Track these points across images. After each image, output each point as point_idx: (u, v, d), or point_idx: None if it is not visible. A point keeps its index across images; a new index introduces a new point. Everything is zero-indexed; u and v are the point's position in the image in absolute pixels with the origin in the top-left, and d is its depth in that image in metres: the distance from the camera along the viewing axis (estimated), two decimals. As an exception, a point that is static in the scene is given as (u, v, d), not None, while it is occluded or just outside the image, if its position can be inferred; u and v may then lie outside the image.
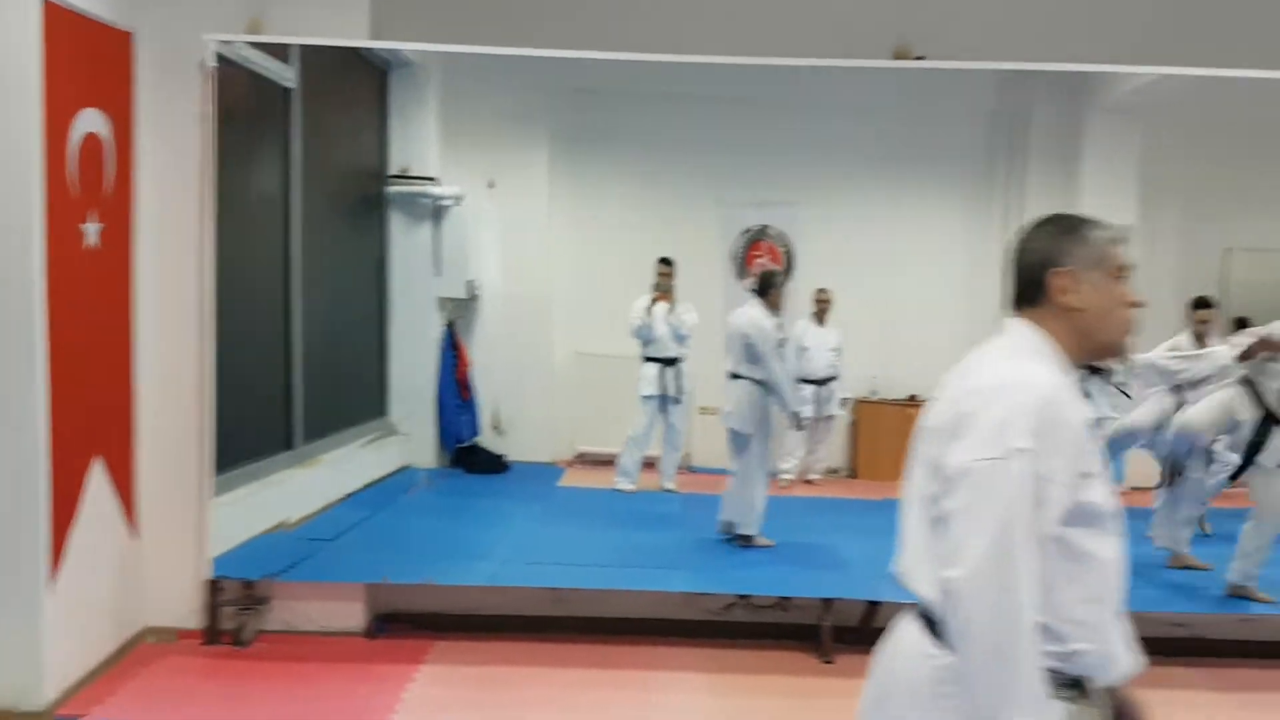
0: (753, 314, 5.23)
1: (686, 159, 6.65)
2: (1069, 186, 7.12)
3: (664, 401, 5.97)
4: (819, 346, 6.56)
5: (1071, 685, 1.66)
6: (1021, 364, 1.68)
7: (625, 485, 6.12)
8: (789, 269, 7.00)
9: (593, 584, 4.66)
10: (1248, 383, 4.66)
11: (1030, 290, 1.76)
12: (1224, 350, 5.06)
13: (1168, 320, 6.24)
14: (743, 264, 6.67)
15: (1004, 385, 1.65)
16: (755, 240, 6.94)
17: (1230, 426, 4.72)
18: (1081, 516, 1.63)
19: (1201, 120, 6.30)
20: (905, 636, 1.74)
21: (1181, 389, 5.12)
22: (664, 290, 5.99)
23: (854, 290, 6.64)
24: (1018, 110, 6.99)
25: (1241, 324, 6.08)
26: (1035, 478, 1.57)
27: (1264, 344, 4.54)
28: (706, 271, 6.62)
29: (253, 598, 4.42)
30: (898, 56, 4.16)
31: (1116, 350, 1.79)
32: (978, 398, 1.65)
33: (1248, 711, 4.00)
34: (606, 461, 6.31)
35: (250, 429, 4.80)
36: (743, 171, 6.56)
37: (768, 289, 5.27)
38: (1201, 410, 4.96)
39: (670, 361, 5.95)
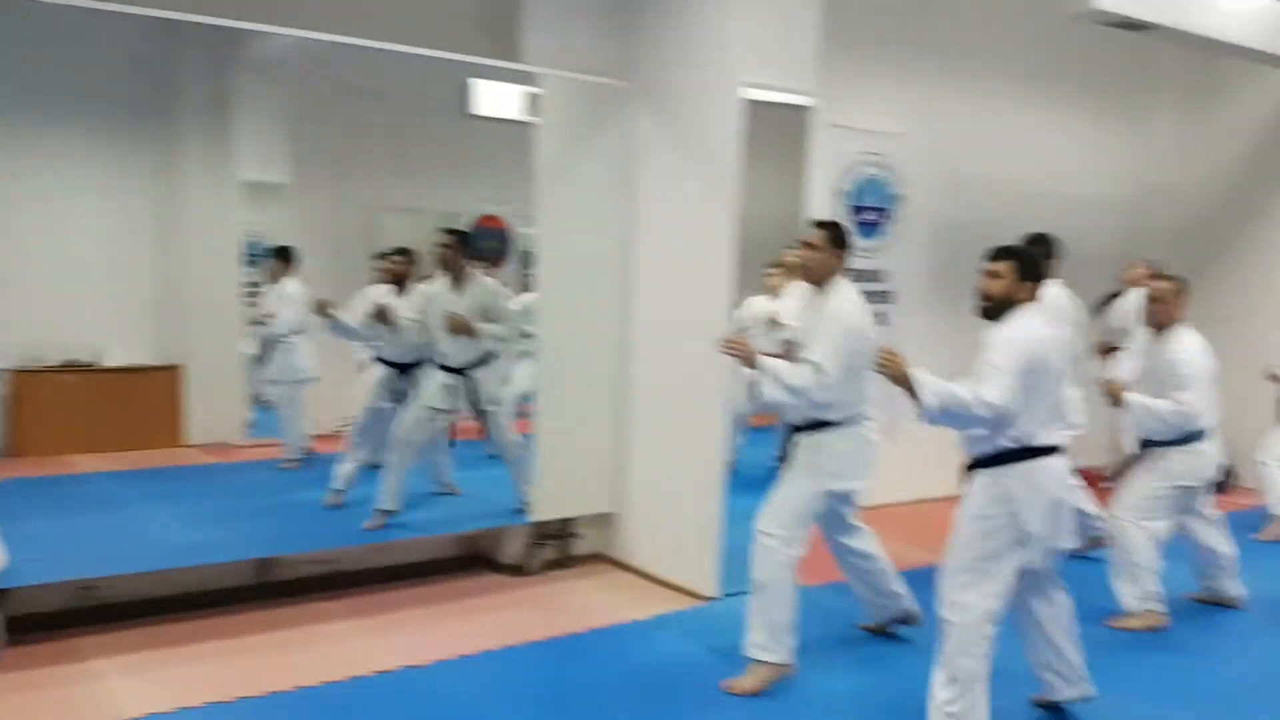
0: None
1: None
2: (223, 140, 7.02)
3: None
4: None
5: None
6: None
7: None
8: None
9: None
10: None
11: None
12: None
13: (319, 276, 6.53)
14: None
15: None
16: None
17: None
18: None
19: (351, 87, 6.64)
20: None
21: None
22: None
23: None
24: (165, 59, 6.66)
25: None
26: None
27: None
28: None
29: None
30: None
31: None
32: None
33: (376, 634, 4.34)
34: None
35: None
36: None
37: None
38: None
39: None
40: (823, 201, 6.04)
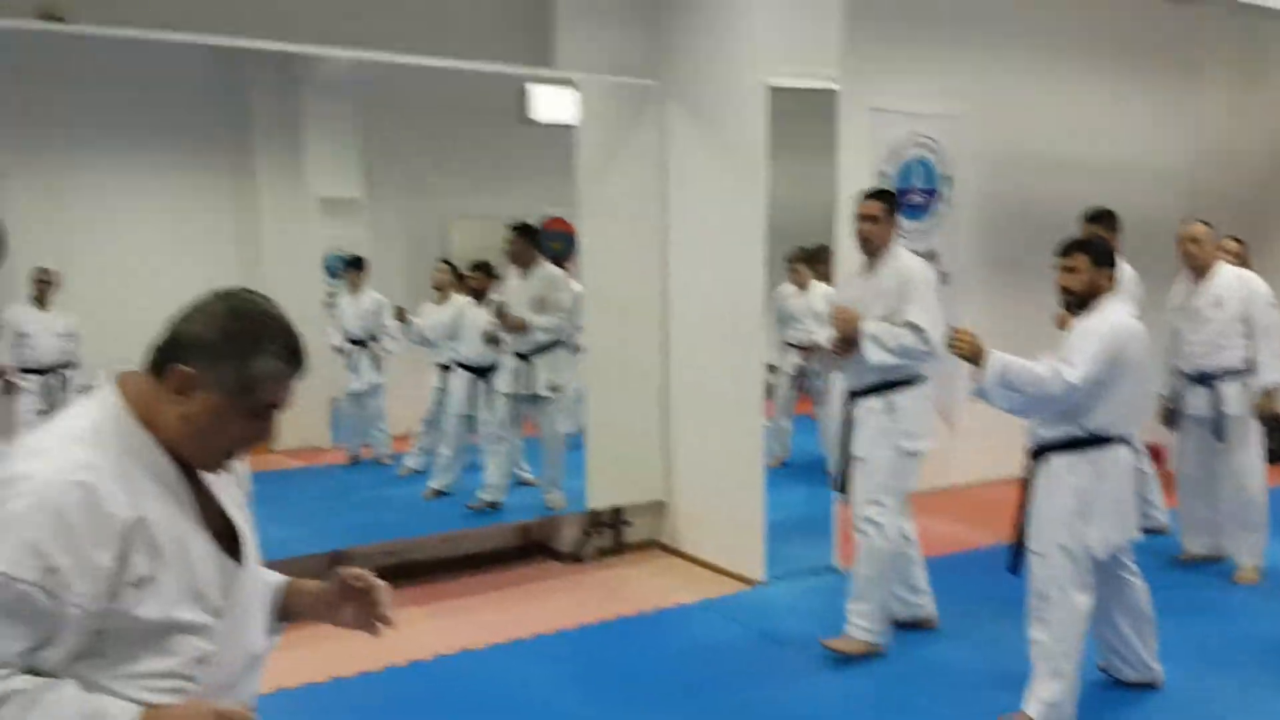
0: None
1: None
2: (297, 159, 7.38)
3: None
4: (43, 332, 6.05)
5: None
6: (62, 453, 1.41)
7: None
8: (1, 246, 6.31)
9: None
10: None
11: (159, 360, 1.52)
12: None
13: (394, 285, 6.88)
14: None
15: (25, 484, 1.38)
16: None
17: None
18: (141, 631, 1.43)
19: (415, 102, 6.93)
20: None
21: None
22: None
23: (86, 268, 6.19)
24: (234, 84, 7.04)
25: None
26: (48, 604, 1.35)
27: None
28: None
29: None
30: (43, 16, 3.94)
31: (205, 468, 1.57)
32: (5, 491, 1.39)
33: (439, 619, 4.58)
34: None
35: None
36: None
37: None
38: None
39: None
40: (863, 186, 6.07)
